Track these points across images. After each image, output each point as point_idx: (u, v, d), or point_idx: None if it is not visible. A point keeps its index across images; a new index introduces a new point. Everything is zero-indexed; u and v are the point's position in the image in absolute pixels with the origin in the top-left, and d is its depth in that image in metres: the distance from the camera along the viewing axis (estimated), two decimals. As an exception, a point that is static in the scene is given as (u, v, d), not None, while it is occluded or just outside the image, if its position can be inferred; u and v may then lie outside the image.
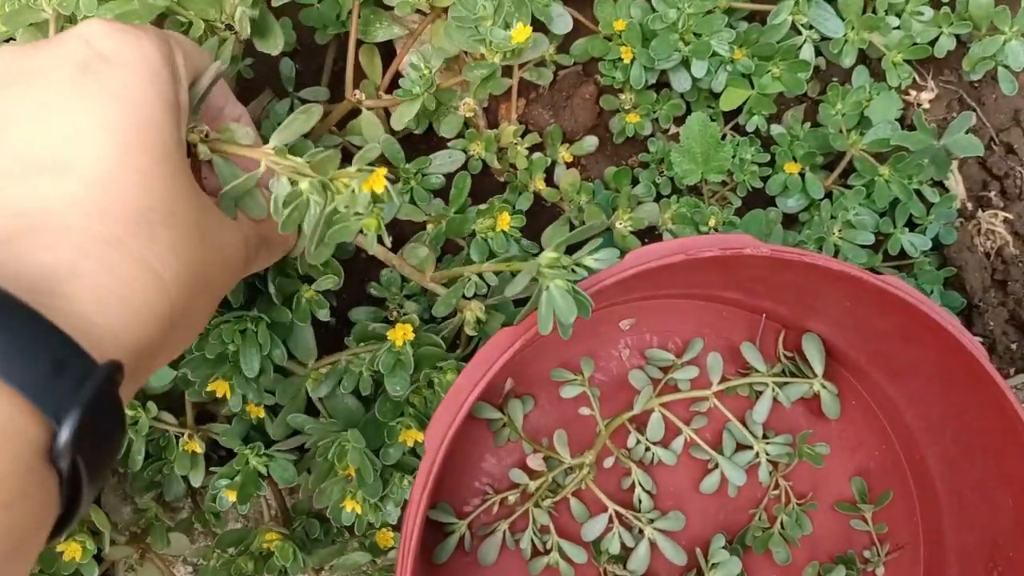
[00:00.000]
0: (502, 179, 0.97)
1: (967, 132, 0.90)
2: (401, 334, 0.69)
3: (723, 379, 0.83)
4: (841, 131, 0.93)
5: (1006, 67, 0.95)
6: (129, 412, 0.69)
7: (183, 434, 0.72)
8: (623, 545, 0.80)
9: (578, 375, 0.81)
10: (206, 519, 0.76)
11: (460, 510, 0.81)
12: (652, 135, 0.97)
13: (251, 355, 0.65)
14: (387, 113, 0.87)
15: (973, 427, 0.74)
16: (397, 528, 0.78)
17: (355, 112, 0.81)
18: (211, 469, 0.72)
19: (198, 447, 0.71)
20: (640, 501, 0.81)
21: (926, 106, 1.01)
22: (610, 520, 0.80)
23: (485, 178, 0.94)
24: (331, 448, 0.67)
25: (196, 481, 0.72)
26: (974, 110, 1.00)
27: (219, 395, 0.66)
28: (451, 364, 0.70)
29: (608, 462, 0.80)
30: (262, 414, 0.71)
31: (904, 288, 0.68)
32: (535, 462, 0.79)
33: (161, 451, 0.72)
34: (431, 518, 0.79)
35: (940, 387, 0.76)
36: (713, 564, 0.79)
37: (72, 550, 0.65)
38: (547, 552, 0.80)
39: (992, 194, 1.01)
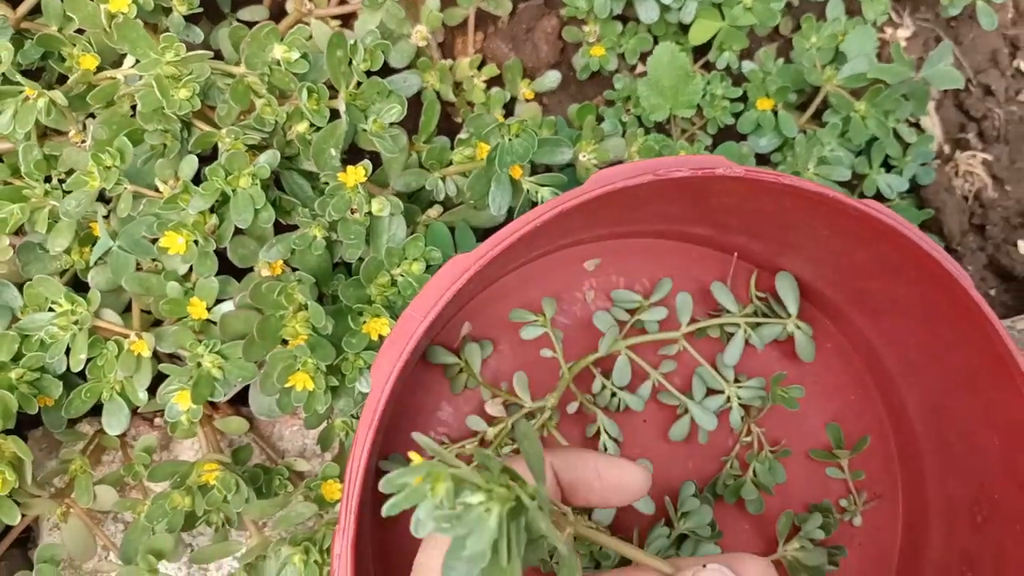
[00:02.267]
0: (459, 119, 0.91)
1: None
2: (353, 178, 0.63)
3: (693, 321, 0.78)
4: (816, 66, 0.88)
5: (985, 0, 0.92)
6: (67, 305, 0.63)
7: (128, 336, 0.65)
8: (589, 495, 0.75)
9: (539, 315, 0.76)
10: (136, 471, 0.70)
11: (414, 461, 0.75)
12: (618, 71, 0.92)
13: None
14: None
15: (957, 365, 0.70)
16: (343, 479, 0.73)
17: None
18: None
19: (145, 349, 0.65)
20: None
21: (903, 44, 0.97)
22: (575, 471, 0.75)
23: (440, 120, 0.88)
24: (276, 289, 0.61)
25: (141, 387, 0.65)
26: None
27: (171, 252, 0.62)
28: (415, 249, 0.65)
29: (572, 408, 0.75)
30: (207, 315, 0.65)
31: (886, 212, 0.64)
32: (494, 408, 0.74)
33: (102, 355, 0.65)
34: (382, 469, 0.73)
35: (922, 324, 0.72)
36: (683, 513, 0.75)
37: (-10, 481, 0.59)
38: (507, 504, 0.75)
39: (970, 136, 0.97)
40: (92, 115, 0.73)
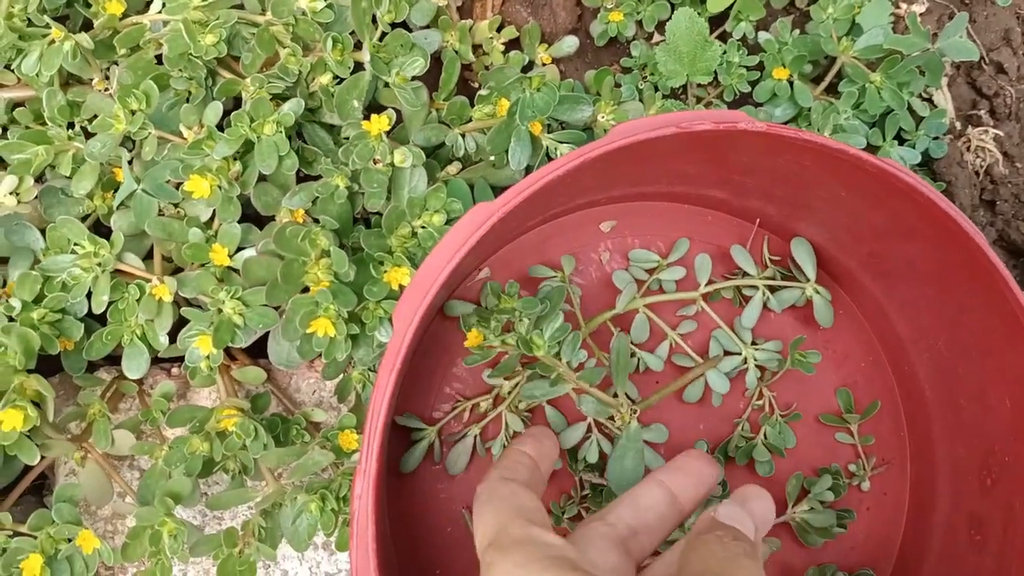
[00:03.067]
0: (475, 84, 0.92)
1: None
2: (377, 127, 0.64)
3: (710, 283, 0.78)
4: (832, 36, 0.89)
5: (1001, -24, 0.92)
6: (90, 247, 0.63)
7: (150, 280, 0.66)
8: (601, 453, 0.76)
9: (558, 272, 0.76)
10: (154, 417, 0.70)
11: (429, 417, 0.76)
12: (635, 38, 0.92)
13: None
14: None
15: (970, 327, 0.71)
16: (360, 430, 0.73)
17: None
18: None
19: (166, 293, 0.65)
20: (622, 407, 0.76)
21: (917, 18, 0.97)
22: (588, 429, 0.76)
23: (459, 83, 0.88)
24: (300, 234, 0.61)
25: (162, 331, 0.65)
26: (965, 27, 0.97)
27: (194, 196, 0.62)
28: (436, 200, 0.65)
29: (590, 364, 0.76)
30: (228, 261, 0.65)
31: (905, 171, 0.64)
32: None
33: (123, 298, 0.65)
34: (398, 423, 0.74)
35: (936, 287, 0.72)
36: (695, 473, 0.75)
37: (11, 419, 0.59)
38: (520, 460, 0.76)
39: (982, 113, 0.98)
40: (115, 63, 0.73)
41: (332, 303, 0.62)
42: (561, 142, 0.74)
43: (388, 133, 0.69)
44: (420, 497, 0.76)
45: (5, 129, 0.73)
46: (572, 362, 0.70)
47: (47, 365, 0.69)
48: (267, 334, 0.72)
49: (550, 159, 0.75)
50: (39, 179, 0.72)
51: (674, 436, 0.78)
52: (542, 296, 0.73)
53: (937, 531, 0.76)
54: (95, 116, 0.70)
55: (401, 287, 0.66)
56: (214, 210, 0.67)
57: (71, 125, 0.71)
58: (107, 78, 0.73)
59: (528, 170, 0.75)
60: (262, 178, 0.66)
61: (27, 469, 0.70)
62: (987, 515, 0.72)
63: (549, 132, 0.74)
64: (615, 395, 0.73)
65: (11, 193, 0.66)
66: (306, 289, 0.65)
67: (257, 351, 0.79)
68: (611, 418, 0.76)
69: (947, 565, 0.75)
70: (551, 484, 0.76)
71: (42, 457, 0.65)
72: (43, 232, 0.67)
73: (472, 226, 0.61)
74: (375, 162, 0.66)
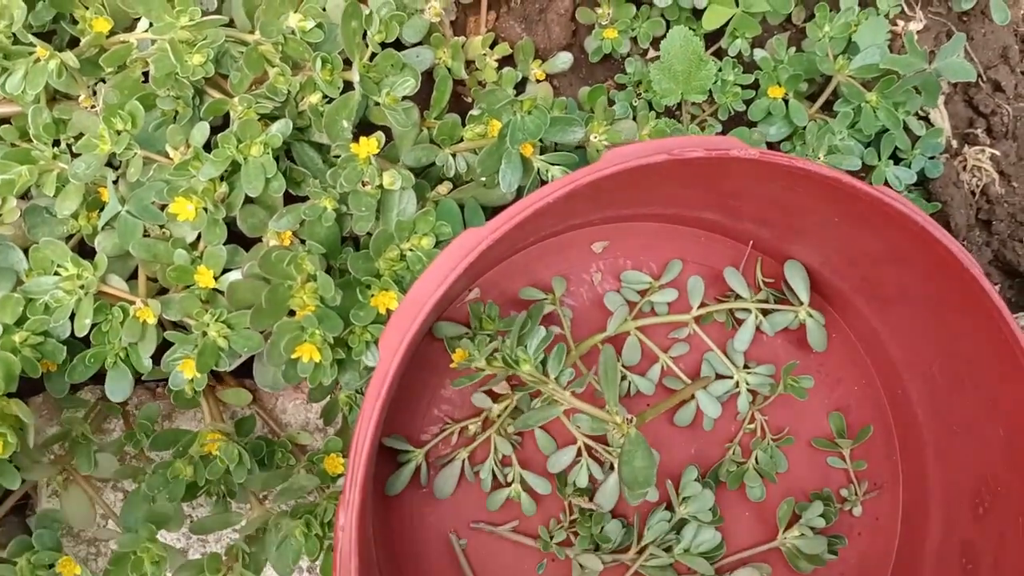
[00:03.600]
0: (469, 99, 0.91)
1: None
2: (366, 149, 0.63)
3: (702, 305, 0.78)
4: (828, 55, 0.88)
5: (999, -6, 0.91)
6: (73, 270, 0.63)
7: (134, 303, 0.65)
8: (591, 478, 0.75)
9: (549, 294, 0.75)
10: (137, 439, 0.69)
11: (416, 439, 0.75)
12: (629, 55, 0.92)
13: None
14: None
15: (964, 355, 0.70)
16: (347, 454, 0.72)
17: None
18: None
19: (150, 316, 0.64)
20: (611, 433, 0.75)
21: (914, 37, 0.96)
22: (578, 453, 0.75)
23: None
24: (286, 258, 0.60)
25: (146, 354, 0.64)
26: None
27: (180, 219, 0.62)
28: (425, 223, 0.64)
29: (579, 387, 0.75)
30: (214, 284, 0.64)
31: (900, 199, 0.63)
32: (499, 385, 0.74)
33: (107, 320, 0.65)
34: (385, 445, 0.73)
35: (930, 313, 0.72)
36: (684, 498, 0.75)
37: (-10, 443, 0.58)
38: (508, 484, 0.75)
39: (978, 131, 0.97)
40: (103, 80, 0.72)
41: (318, 328, 0.61)
42: (552, 164, 0.73)
43: (378, 153, 0.68)
44: (406, 520, 0.75)
45: (-10, 146, 0.72)
46: (560, 379, 0.69)
47: (29, 384, 0.68)
48: (253, 355, 0.71)
49: (542, 180, 0.74)
50: (23, 197, 0.71)
51: (665, 460, 0.77)
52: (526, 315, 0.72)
53: (929, 558, 0.76)
54: (81, 134, 0.69)
55: (388, 311, 0.65)
56: (200, 232, 0.66)
57: (56, 143, 0.70)
58: (94, 94, 0.72)
59: (520, 191, 0.75)
60: (248, 200, 0.65)
61: (7, 492, 0.69)
62: (979, 544, 0.71)
63: (541, 153, 0.74)
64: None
65: (-7, 214, 0.65)
66: (292, 312, 0.64)
67: (243, 371, 0.78)
68: (603, 442, 0.75)
69: (939, 593, 0.74)
70: (540, 509, 0.75)
71: (23, 481, 0.64)
72: (26, 252, 0.66)
73: (461, 252, 0.60)
74: (364, 184, 0.66)
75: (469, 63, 0.88)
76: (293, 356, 0.62)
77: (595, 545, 0.75)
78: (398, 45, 0.82)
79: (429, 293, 0.60)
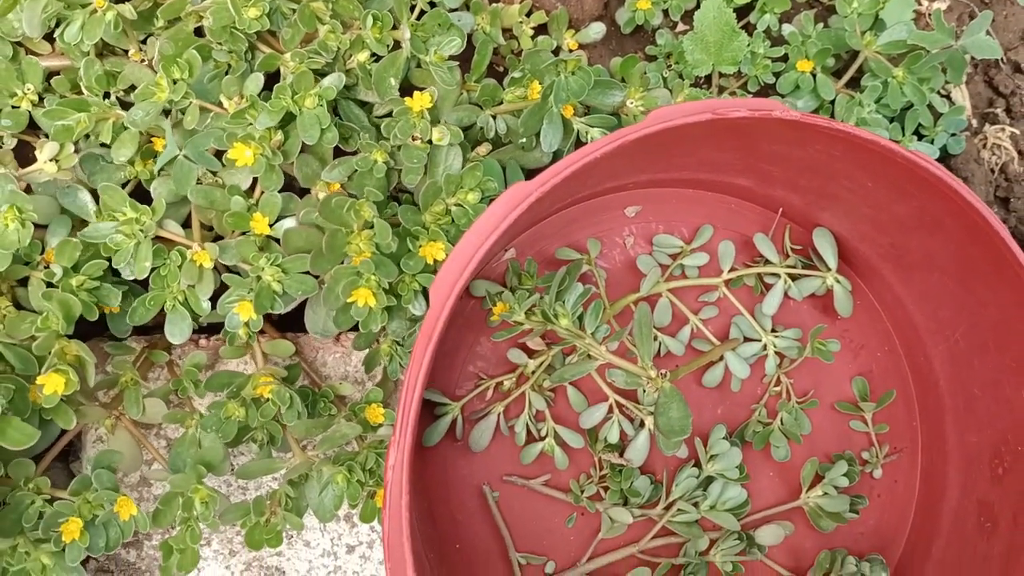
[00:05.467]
0: (501, 68, 0.93)
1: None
2: (419, 104, 0.64)
3: (732, 270, 0.80)
4: (856, 31, 0.90)
5: (1023, -24, 0.93)
6: (133, 214, 0.64)
7: (191, 247, 0.67)
8: (622, 434, 0.77)
9: (584, 255, 0.77)
10: (184, 386, 0.71)
11: (452, 393, 0.77)
12: (660, 27, 0.93)
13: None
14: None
15: (991, 319, 0.72)
16: (387, 405, 0.74)
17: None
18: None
19: (207, 260, 0.66)
20: (643, 391, 0.77)
21: (941, 15, 0.98)
22: (609, 410, 0.77)
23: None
24: (345, 205, 0.62)
25: (204, 297, 0.66)
26: (986, 24, 0.98)
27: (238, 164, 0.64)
28: (472, 178, 0.66)
29: (612, 345, 0.77)
30: (269, 231, 0.66)
31: (934, 163, 0.65)
32: (534, 341, 0.76)
33: (165, 265, 0.67)
34: (423, 398, 0.75)
35: (956, 279, 0.74)
36: (712, 455, 0.77)
37: (53, 383, 0.60)
38: (541, 438, 0.77)
39: (998, 111, 0.99)
40: (151, 35, 0.74)
41: (374, 273, 0.63)
42: (592, 126, 0.75)
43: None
44: (441, 472, 0.77)
45: (41, 98, 0.73)
46: (596, 334, 0.71)
47: (77, 332, 0.69)
48: (295, 310, 0.73)
49: (580, 143, 0.76)
50: (75, 147, 0.72)
51: (694, 419, 0.78)
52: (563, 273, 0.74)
53: (946, 518, 0.78)
54: (132, 86, 0.71)
55: (436, 261, 0.67)
56: (254, 179, 0.67)
57: (107, 95, 0.72)
58: (142, 49, 0.73)
59: (558, 153, 0.76)
60: (302, 150, 0.67)
61: (60, 434, 0.70)
62: (997, 503, 0.73)
63: (580, 116, 0.75)
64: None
65: (51, 160, 0.67)
66: (343, 260, 0.66)
67: (285, 325, 0.80)
68: (634, 399, 0.77)
69: (955, 550, 0.76)
70: (571, 464, 0.77)
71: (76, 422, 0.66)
72: (94, 193, 0.67)
73: (509, 205, 0.62)
74: (415, 139, 0.67)
75: (505, 31, 0.89)
76: (348, 300, 0.63)
77: (624, 500, 0.77)
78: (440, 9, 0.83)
79: (478, 244, 0.61)
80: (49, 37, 0.73)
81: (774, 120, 0.64)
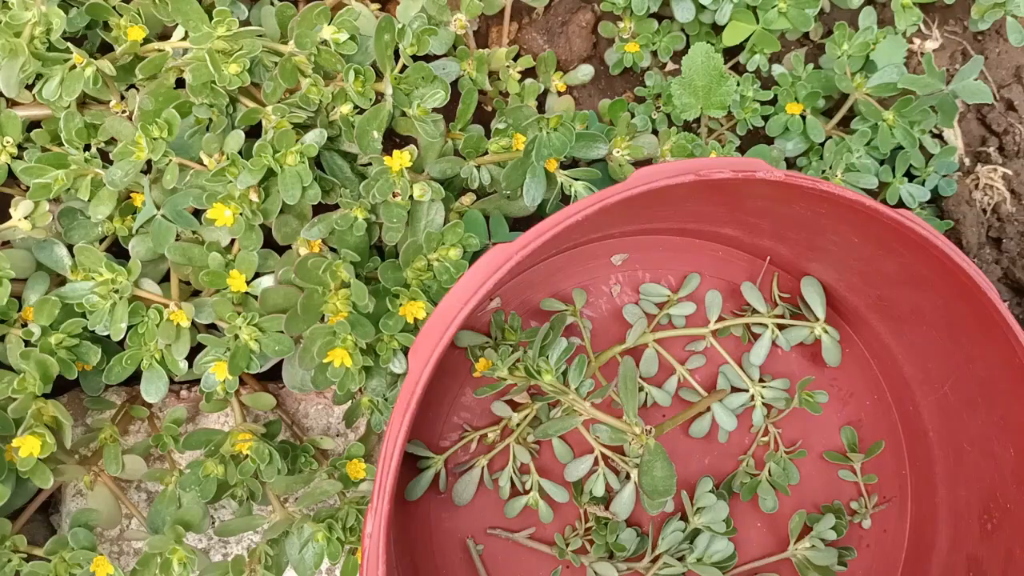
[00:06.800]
0: (489, 108, 0.92)
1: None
2: (398, 162, 0.64)
3: (719, 319, 0.79)
4: (846, 73, 0.89)
5: (1014, 16, 0.93)
6: (109, 275, 0.64)
7: (168, 305, 0.66)
8: (607, 487, 0.76)
9: (569, 305, 0.77)
10: (164, 441, 0.70)
11: (436, 445, 0.77)
12: (649, 68, 0.93)
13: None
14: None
15: (978, 376, 0.71)
16: (368, 459, 0.74)
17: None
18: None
19: (184, 318, 0.65)
20: (629, 445, 0.77)
21: (931, 57, 0.98)
22: (595, 463, 0.77)
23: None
24: (322, 266, 0.62)
25: (180, 356, 0.66)
26: (978, 63, 0.98)
27: (217, 224, 0.64)
28: (453, 235, 0.66)
29: (597, 401, 0.76)
30: (246, 288, 0.65)
31: (920, 223, 0.65)
32: (520, 394, 0.75)
33: (142, 323, 0.66)
34: (405, 451, 0.74)
35: (944, 334, 0.73)
36: (699, 508, 0.76)
37: (29, 445, 0.59)
38: (526, 492, 0.76)
39: (991, 150, 0.98)
40: (132, 86, 0.73)
41: (350, 334, 0.63)
42: (576, 179, 0.74)
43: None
44: (424, 525, 0.76)
45: (21, 149, 0.72)
46: (580, 390, 0.70)
47: (55, 384, 0.69)
48: (279, 360, 0.72)
49: (564, 194, 0.75)
50: (55, 200, 0.72)
51: (680, 470, 0.78)
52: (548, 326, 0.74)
53: (935, 571, 0.77)
54: (112, 139, 0.70)
55: (416, 320, 0.66)
56: (233, 236, 0.67)
57: (87, 147, 0.71)
58: (123, 99, 0.73)
59: (543, 204, 0.76)
60: (283, 208, 0.66)
61: (38, 491, 0.70)
62: (986, 559, 0.73)
63: (563, 167, 0.75)
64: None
65: (26, 218, 0.66)
66: (322, 319, 0.65)
67: (266, 376, 0.79)
68: (620, 452, 0.77)
69: (945, 606, 0.76)
70: (556, 516, 0.76)
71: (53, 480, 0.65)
72: (70, 249, 0.67)
73: (491, 268, 0.61)
74: (395, 196, 0.67)
75: (492, 74, 0.89)
76: (324, 360, 0.63)
77: (610, 553, 0.76)
78: (424, 58, 0.83)
79: (458, 308, 0.61)
80: (30, 87, 0.73)
81: (758, 181, 0.64)
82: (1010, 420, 0.69)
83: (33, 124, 0.74)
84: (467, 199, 0.77)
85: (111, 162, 0.67)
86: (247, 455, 0.66)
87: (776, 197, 0.68)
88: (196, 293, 0.71)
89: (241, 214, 0.64)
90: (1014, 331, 0.65)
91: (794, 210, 0.69)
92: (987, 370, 0.70)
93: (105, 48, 0.74)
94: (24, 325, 0.66)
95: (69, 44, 0.68)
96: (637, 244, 0.81)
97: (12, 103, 0.74)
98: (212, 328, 0.70)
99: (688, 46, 0.91)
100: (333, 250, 0.70)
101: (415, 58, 0.71)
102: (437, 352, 0.60)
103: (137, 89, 0.72)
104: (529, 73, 0.91)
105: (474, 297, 0.61)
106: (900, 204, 0.91)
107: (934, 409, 0.78)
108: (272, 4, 0.74)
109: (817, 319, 0.79)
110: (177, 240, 0.68)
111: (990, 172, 0.96)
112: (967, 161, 0.99)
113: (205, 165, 0.67)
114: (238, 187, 0.64)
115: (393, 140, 0.80)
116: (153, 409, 0.75)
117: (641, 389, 0.77)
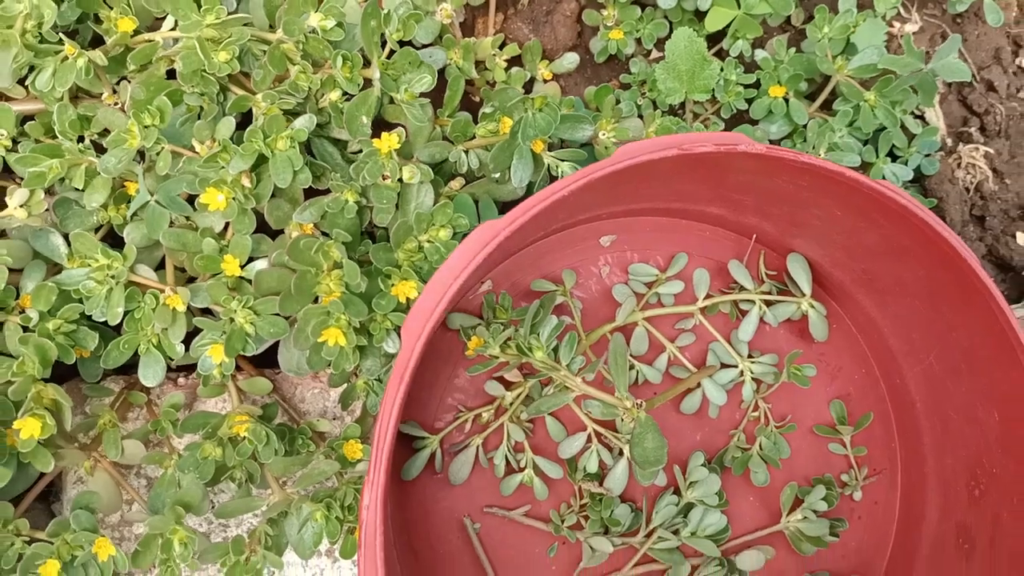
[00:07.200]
0: (476, 98, 0.93)
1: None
2: (387, 145, 0.65)
3: (707, 297, 0.80)
4: (827, 55, 0.91)
5: (992, -3, 0.94)
6: (105, 260, 0.65)
7: (163, 290, 0.67)
8: (601, 463, 0.77)
9: (559, 286, 0.78)
10: (163, 427, 0.71)
11: (431, 426, 0.78)
12: (634, 56, 0.94)
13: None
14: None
15: (961, 344, 0.73)
16: (365, 440, 0.75)
17: None
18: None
19: (179, 303, 0.66)
20: (621, 420, 0.78)
21: (911, 38, 0.99)
22: (588, 439, 0.78)
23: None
24: (314, 246, 0.62)
25: (177, 340, 0.67)
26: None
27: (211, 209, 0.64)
28: (443, 216, 0.67)
29: (589, 375, 0.77)
30: (240, 272, 0.66)
31: (901, 193, 0.66)
32: (511, 373, 0.76)
33: (138, 308, 0.67)
34: (401, 432, 0.75)
35: (927, 305, 0.74)
36: (691, 482, 0.77)
37: (29, 427, 0.60)
38: (521, 469, 0.77)
39: (972, 130, 1.00)
40: (124, 78, 0.74)
41: (344, 313, 0.64)
42: (562, 160, 0.75)
43: (396, 149, 0.71)
44: (421, 505, 0.77)
45: (15, 142, 0.74)
46: (571, 366, 0.71)
47: (54, 375, 0.70)
48: (274, 346, 0.74)
49: (552, 176, 0.77)
50: (48, 191, 0.73)
51: (672, 446, 0.80)
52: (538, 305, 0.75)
53: (926, 540, 0.79)
54: (105, 130, 0.71)
55: (408, 300, 0.67)
56: (226, 221, 0.68)
57: (81, 139, 0.72)
58: (115, 91, 0.74)
59: (530, 186, 0.77)
60: (275, 193, 0.68)
61: (40, 476, 0.71)
62: (975, 525, 0.74)
63: (550, 150, 0.76)
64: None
65: (21, 206, 0.67)
66: (316, 300, 0.66)
67: (262, 362, 0.80)
68: (612, 429, 0.78)
69: (935, 572, 0.77)
70: (551, 493, 0.77)
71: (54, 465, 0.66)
72: (66, 237, 0.68)
73: (479, 244, 0.62)
74: (384, 178, 0.68)
75: (478, 63, 0.90)
76: (319, 340, 0.64)
77: (605, 528, 0.77)
78: (411, 46, 0.84)
79: (449, 283, 0.62)
80: (23, 81, 0.74)
81: (740, 154, 0.65)
82: (994, 386, 0.71)
83: (27, 118, 0.75)
84: (456, 184, 0.78)
85: (104, 152, 0.68)
86: (245, 437, 0.67)
87: (758, 170, 0.69)
88: (191, 280, 0.72)
89: (234, 198, 0.65)
90: (995, 297, 0.66)
91: (776, 184, 0.71)
92: (969, 338, 0.71)
93: (96, 42, 0.75)
94: (22, 312, 0.67)
95: (63, 37, 0.69)
96: (625, 226, 0.82)
97: (6, 98, 0.75)
98: (207, 312, 0.71)
99: (671, 33, 0.92)
100: (325, 234, 0.71)
101: (401, 44, 0.73)
102: (429, 326, 0.61)
103: (129, 82, 0.73)
104: (515, 62, 0.92)
105: (464, 271, 0.62)
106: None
107: (920, 379, 0.79)
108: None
109: (803, 295, 0.80)
110: (171, 226, 0.69)
111: (972, 151, 0.98)
112: (949, 141, 1.00)
113: (197, 152, 0.68)
114: (230, 172, 0.65)
115: (382, 128, 0.81)
116: (151, 396, 0.76)
117: (632, 367, 0.78)
